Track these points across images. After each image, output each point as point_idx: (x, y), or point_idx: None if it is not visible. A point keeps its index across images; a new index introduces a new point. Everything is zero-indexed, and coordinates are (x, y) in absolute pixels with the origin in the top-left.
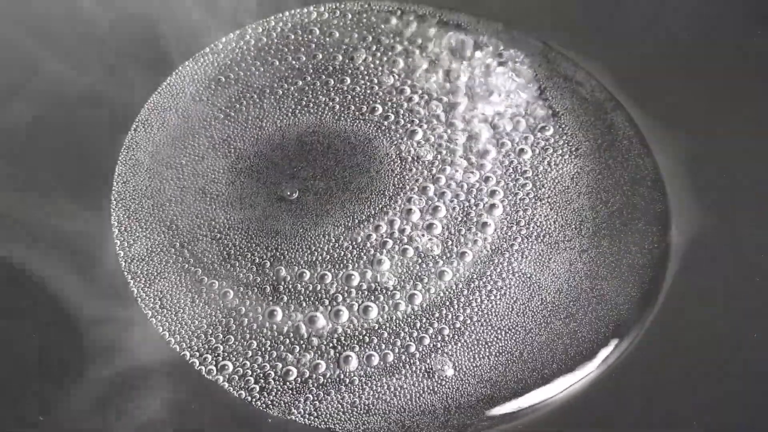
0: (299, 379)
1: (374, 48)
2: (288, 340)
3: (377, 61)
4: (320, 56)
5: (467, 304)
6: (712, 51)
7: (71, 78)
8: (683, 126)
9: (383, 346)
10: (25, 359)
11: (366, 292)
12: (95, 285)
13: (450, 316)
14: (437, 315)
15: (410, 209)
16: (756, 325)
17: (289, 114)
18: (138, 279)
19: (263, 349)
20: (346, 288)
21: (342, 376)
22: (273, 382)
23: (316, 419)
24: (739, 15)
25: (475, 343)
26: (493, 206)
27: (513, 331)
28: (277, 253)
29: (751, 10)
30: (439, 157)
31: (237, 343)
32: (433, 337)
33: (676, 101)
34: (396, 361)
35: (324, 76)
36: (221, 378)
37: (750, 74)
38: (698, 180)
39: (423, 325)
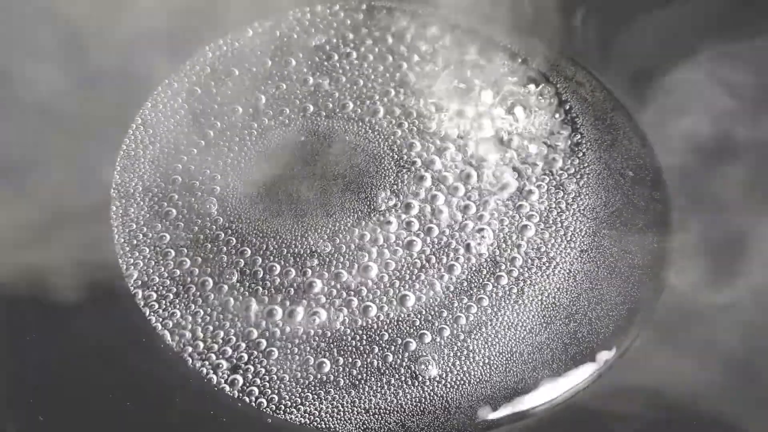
0: (300, 379)
1: (375, 48)
2: (288, 340)
3: (379, 61)
4: (321, 56)
5: (468, 305)
6: (712, 51)
7: (71, 77)
8: (683, 126)
9: (384, 346)
10: (25, 360)
11: (366, 291)
12: (96, 284)
13: (450, 317)
14: (437, 315)
15: (411, 204)
16: (755, 322)
17: (289, 113)
18: (138, 279)
19: (264, 349)
20: (347, 287)
21: (343, 376)
22: (273, 383)
23: (317, 419)
24: (739, 14)
25: (476, 343)
26: (491, 202)
27: (513, 331)
28: (278, 253)
29: (752, 10)
30: (438, 157)
31: (237, 344)
32: (434, 337)
33: (677, 101)
34: (396, 361)
35: (324, 76)
36: (222, 379)
37: (750, 75)
38: (698, 180)
39: (423, 325)
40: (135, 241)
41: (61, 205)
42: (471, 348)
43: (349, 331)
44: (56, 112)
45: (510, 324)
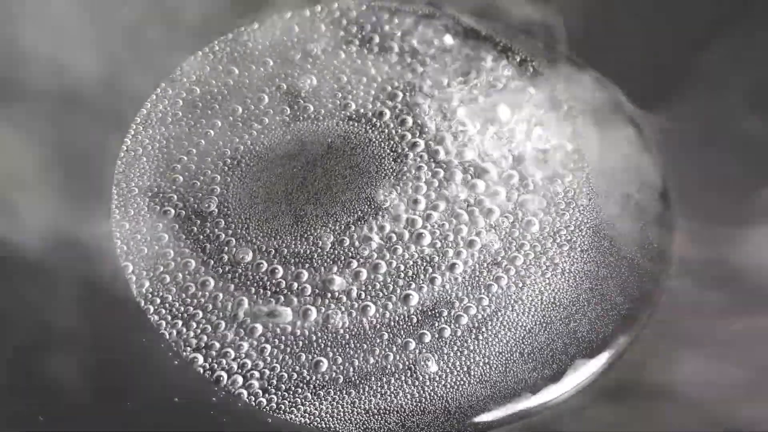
0: (300, 379)
1: (376, 48)
2: (288, 340)
3: (380, 61)
4: (322, 56)
5: (468, 305)
6: (712, 50)
7: (71, 75)
8: (683, 126)
9: (384, 346)
10: (25, 360)
11: (365, 292)
12: (95, 284)
13: (450, 317)
14: (437, 315)
15: (416, 200)
16: (754, 322)
17: (289, 113)
18: (138, 279)
19: (264, 349)
20: (346, 287)
21: (342, 376)
22: (274, 382)
23: (317, 419)
24: (739, 13)
25: (476, 342)
26: (492, 208)
27: (513, 331)
28: (278, 253)
29: (751, 9)
30: (438, 157)
31: (238, 344)
32: (434, 337)
33: (677, 101)
34: (396, 361)
35: (325, 76)
36: (222, 379)
37: (750, 74)
38: (698, 180)
39: (423, 325)
40: (135, 241)
41: (61, 205)
42: (471, 348)
43: (349, 330)
44: (56, 112)
45: (510, 324)
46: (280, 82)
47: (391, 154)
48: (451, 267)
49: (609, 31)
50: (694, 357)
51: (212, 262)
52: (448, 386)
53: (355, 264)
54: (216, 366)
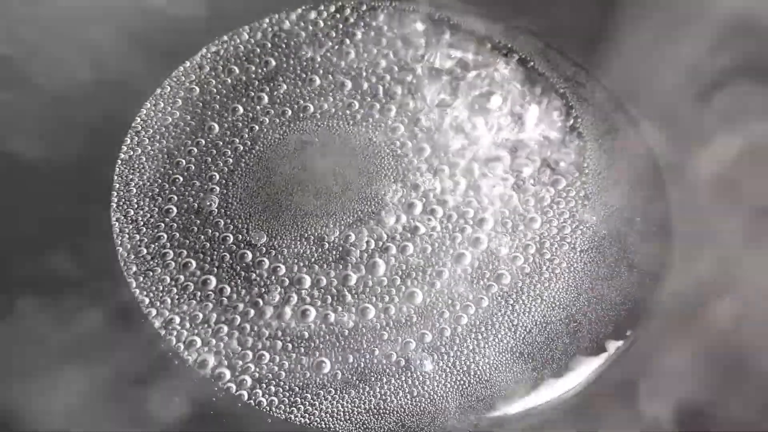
0: (300, 379)
1: (377, 48)
2: (288, 340)
3: (382, 61)
4: (323, 56)
5: (468, 305)
6: (712, 49)
7: (72, 77)
8: (683, 126)
9: (383, 346)
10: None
11: (364, 292)
12: (95, 284)
13: (450, 317)
14: (437, 315)
15: (412, 203)
16: (755, 323)
17: (289, 113)
18: (137, 279)
19: (264, 349)
20: (347, 287)
21: (342, 376)
22: (273, 382)
23: (317, 419)
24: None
25: (475, 343)
26: (491, 207)
27: (513, 330)
28: (278, 253)
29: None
30: (437, 158)
31: (237, 344)
32: (434, 337)
33: (676, 101)
34: (396, 360)
35: (326, 76)
36: (222, 379)
37: (750, 76)
38: (698, 180)
39: (423, 324)
40: (135, 242)
41: (61, 205)
42: (471, 348)
43: (349, 330)
44: (56, 112)
45: (510, 324)
46: (280, 82)
47: (391, 153)
48: (454, 264)
49: (608, 30)
50: (694, 357)
51: (212, 262)
52: (448, 386)
53: (355, 263)
54: (216, 366)
